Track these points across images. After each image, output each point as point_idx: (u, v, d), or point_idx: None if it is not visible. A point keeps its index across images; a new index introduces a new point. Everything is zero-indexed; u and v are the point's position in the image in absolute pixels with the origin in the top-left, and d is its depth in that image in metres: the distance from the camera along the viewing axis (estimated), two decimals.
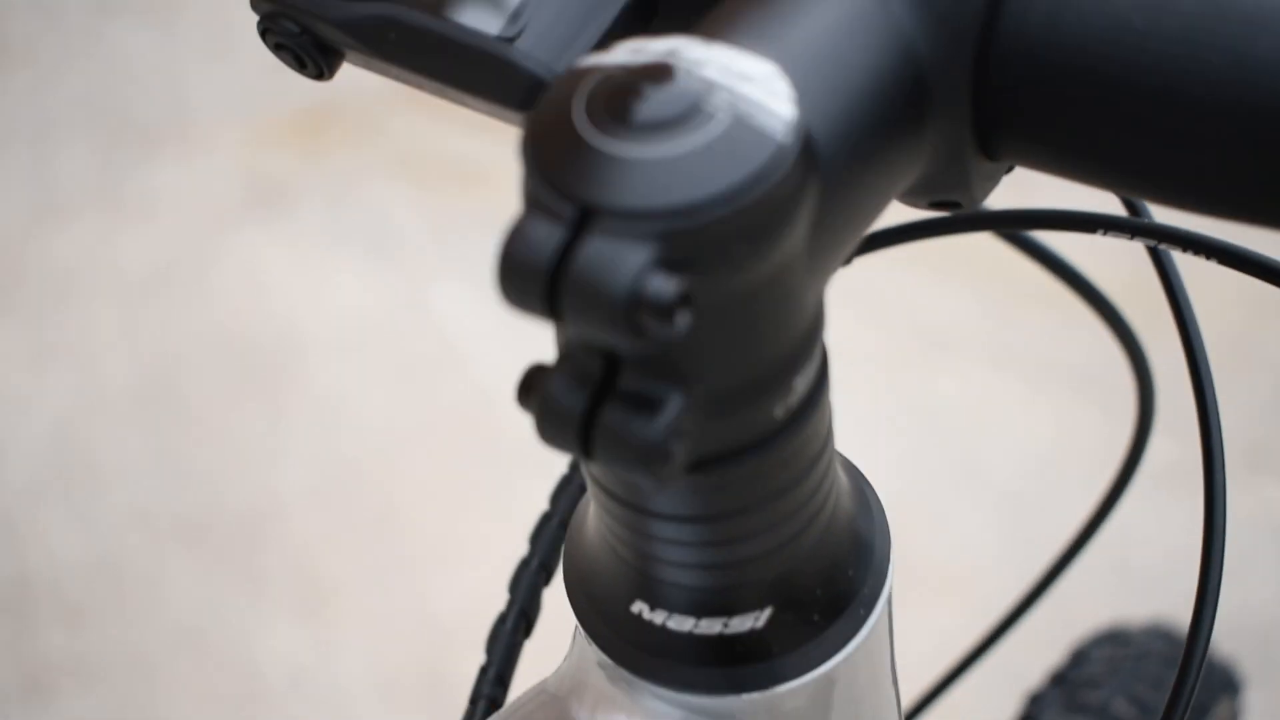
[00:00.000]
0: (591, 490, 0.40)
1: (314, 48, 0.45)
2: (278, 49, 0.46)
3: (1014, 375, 1.73)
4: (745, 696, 0.41)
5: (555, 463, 0.50)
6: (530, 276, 0.32)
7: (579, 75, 0.35)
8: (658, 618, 0.41)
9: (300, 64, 0.46)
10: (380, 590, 1.63)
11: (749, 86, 0.34)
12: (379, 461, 1.73)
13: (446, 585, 1.61)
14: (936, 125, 0.38)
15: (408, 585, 1.63)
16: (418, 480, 1.71)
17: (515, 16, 0.42)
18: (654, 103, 0.34)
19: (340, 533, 1.68)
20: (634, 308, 0.31)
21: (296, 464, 1.73)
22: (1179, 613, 0.69)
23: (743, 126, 0.33)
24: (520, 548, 0.57)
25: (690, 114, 0.33)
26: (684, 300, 0.32)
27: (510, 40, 0.42)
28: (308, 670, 1.57)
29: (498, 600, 0.57)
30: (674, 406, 0.33)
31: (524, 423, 0.35)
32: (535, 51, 0.41)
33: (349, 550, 1.66)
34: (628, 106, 0.34)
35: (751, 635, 0.40)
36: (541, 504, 0.58)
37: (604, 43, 0.42)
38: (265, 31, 0.46)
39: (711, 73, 0.34)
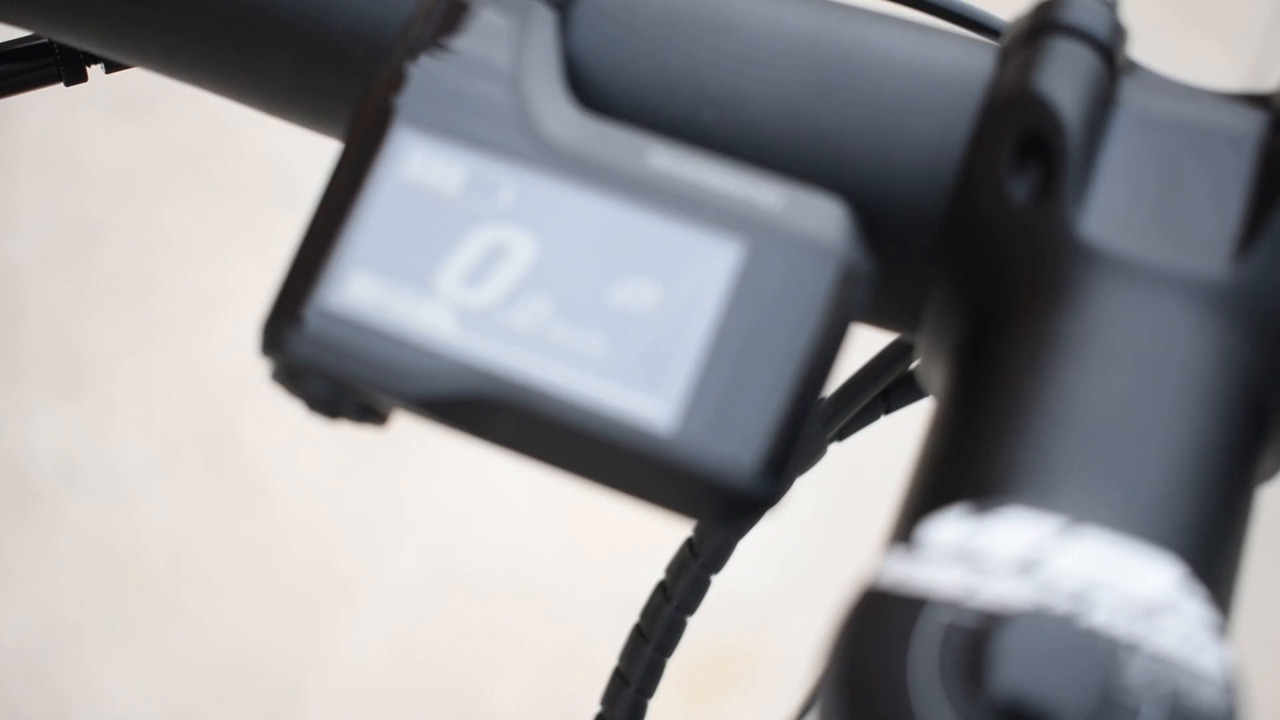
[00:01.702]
0: None
1: (360, 408, 0.32)
2: (295, 395, 0.33)
3: None
4: None
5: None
6: None
7: (898, 608, 0.26)
8: None
9: (333, 416, 0.33)
10: (142, 357, 1.50)
11: (1162, 630, 0.26)
12: (115, 212, 1.55)
13: (212, 342, 1.49)
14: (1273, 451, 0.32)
15: (171, 348, 1.50)
16: (160, 228, 1.55)
17: (690, 402, 0.30)
18: (1048, 700, 0.25)
19: (89, 298, 1.51)
20: None
21: (27, 225, 1.54)
22: None
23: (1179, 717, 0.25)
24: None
25: (1104, 711, 0.24)
26: None
27: (684, 438, 0.30)
28: (79, 458, 1.45)
29: None
30: None
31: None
32: (717, 449, 0.30)
33: (102, 317, 1.51)
34: (1010, 708, 0.24)
35: None
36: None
37: (792, 425, 0.30)
38: (282, 383, 0.32)
39: (1107, 613, 0.25)
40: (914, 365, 0.47)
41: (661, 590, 0.48)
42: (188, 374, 1.49)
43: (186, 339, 1.50)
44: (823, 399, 0.48)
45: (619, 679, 0.48)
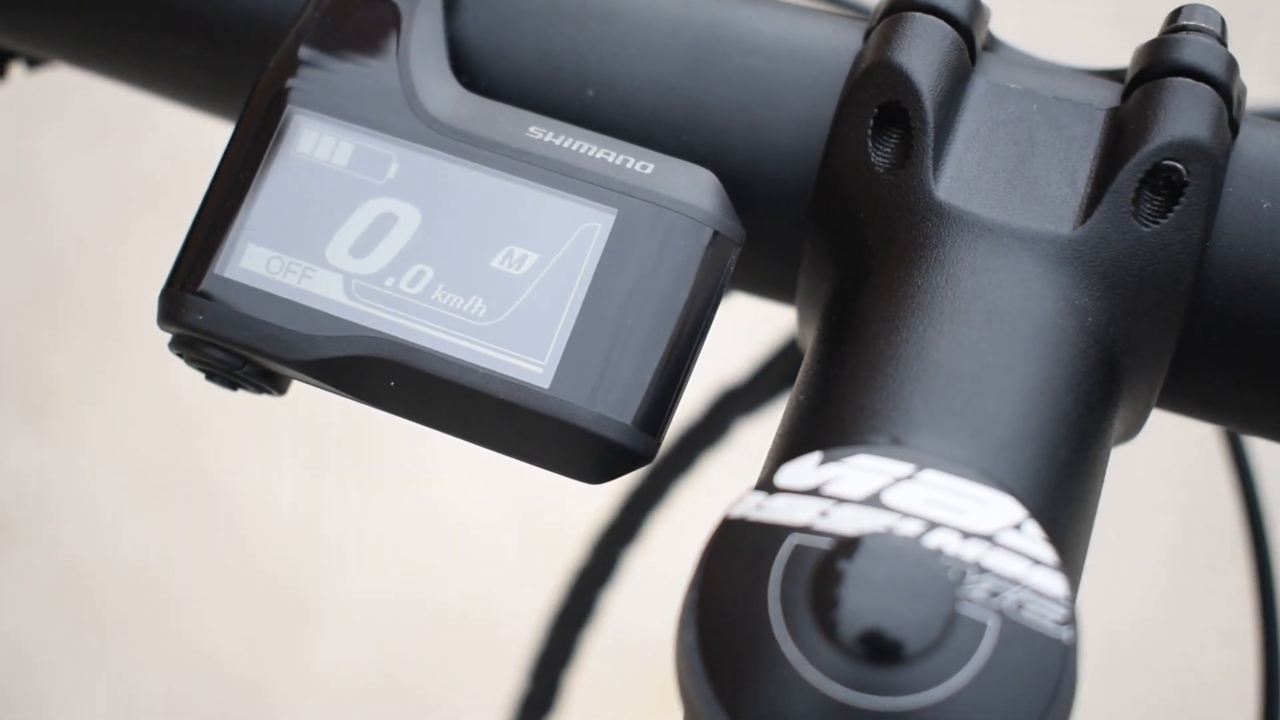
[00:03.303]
0: None
1: (258, 376, 0.34)
2: (195, 364, 0.34)
3: None
4: None
5: None
6: None
7: (760, 539, 0.27)
8: None
9: (232, 387, 0.35)
10: (109, 382, 1.50)
11: (1003, 554, 0.27)
12: (82, 239, 1.56)
13: (177, 366, 1.49)
14: (1128, 406, 0.34)
15: (137, 372, 1.51)
16: (126, 255, 1.55)
17: (567, 359, 0.32)
18: (896, 615, 0.26)
19: (51, 321, 1.52)
20: None
21: None
22: None
23: (1015, 632, 0.26)
24: None
25: (949, 629, 0.26)
26: None
27: (561, 393, 0.32)
28: (47, 482, 1.45)
29: None
30: None
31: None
32: (596, 404, 0.32)
33: (66, 342, 1.51)
34: (860, 623, 0.26)
35: None
36: None
37: (666, 383, 0.32)
38: (181, 352, 0.34)
39: (950, 538, 0.27)
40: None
41: (578, 567, 0.50)
42: (154, 398, 1.50)
43: (146, 360, 1.51)
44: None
45: (539, 654, 0.49)
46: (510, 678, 1.34)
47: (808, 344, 0.35)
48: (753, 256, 0.35)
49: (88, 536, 1.43)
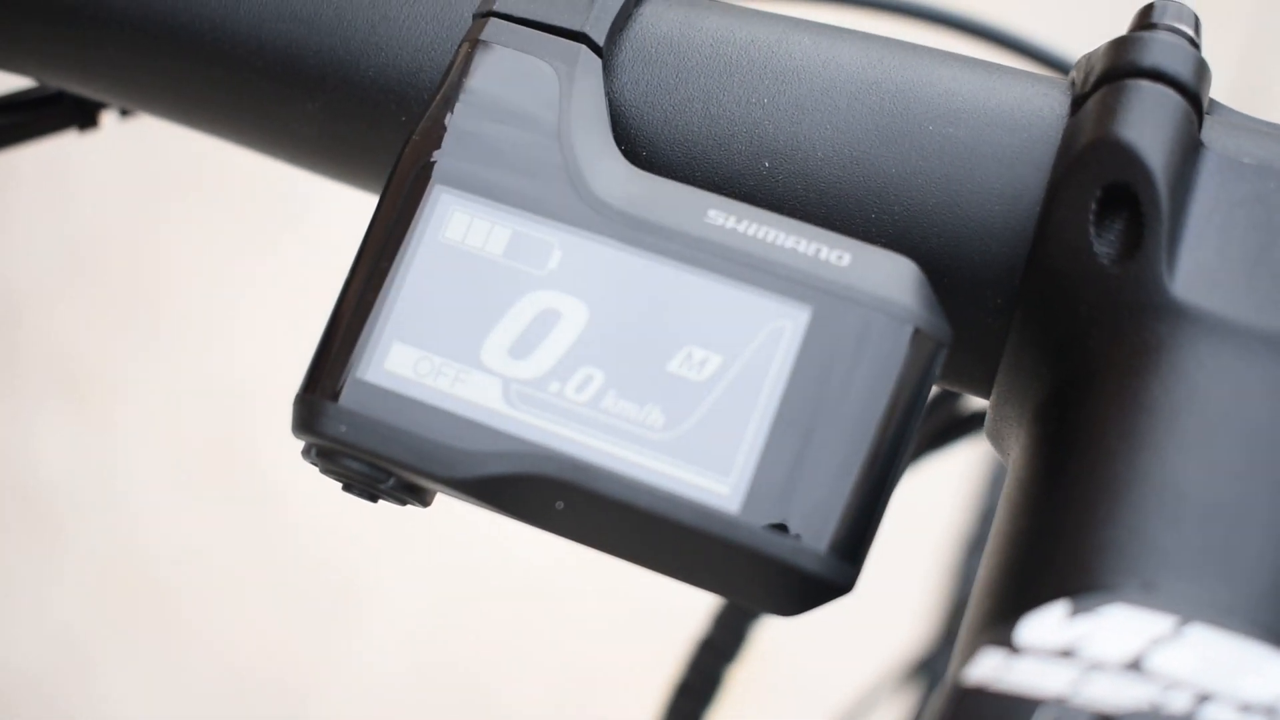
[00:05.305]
0: None
1: (402, 489, 0.30)
2: (331, 475, 0.31)
3: None
4: None
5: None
6: None
7: (1005, 712, 0.24)
8: None
9: (373, 499, 0.31)
10: (146, 372, 1.48)
11: None
12: (119, 230, 1.53)
13: (222, 348, 1.47)
14: None
15: (174, 361, 1.48)
16: (168, 243, 1.53)
17: (756, 480, 0.28)
18: None
19: (93, 312, 1.49)
20: None
21: (29, 243, 1.52)
22: None
23: None
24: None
25: None
26: None
27: (750, 519, 0.28)
28: (86, 474, 1.43)
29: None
30: None
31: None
32: (788, 531, 0.28)
33: (108, 333, 1.49)
34: None
35: None
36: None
37: (865, 505, 0.28)
38: (317, 462, 0.31)
39: (1222, 714, 0.24)
40: (968, 410, 0.45)
41: (702, 643, 0.46)
42: (198, 389, 1.47)
43: (191, 350, 1.49)
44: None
45: None
46: (558, 666, 1.32)
47: (1013, 451, 0.31)
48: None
49: (134, 528, 1.41)
